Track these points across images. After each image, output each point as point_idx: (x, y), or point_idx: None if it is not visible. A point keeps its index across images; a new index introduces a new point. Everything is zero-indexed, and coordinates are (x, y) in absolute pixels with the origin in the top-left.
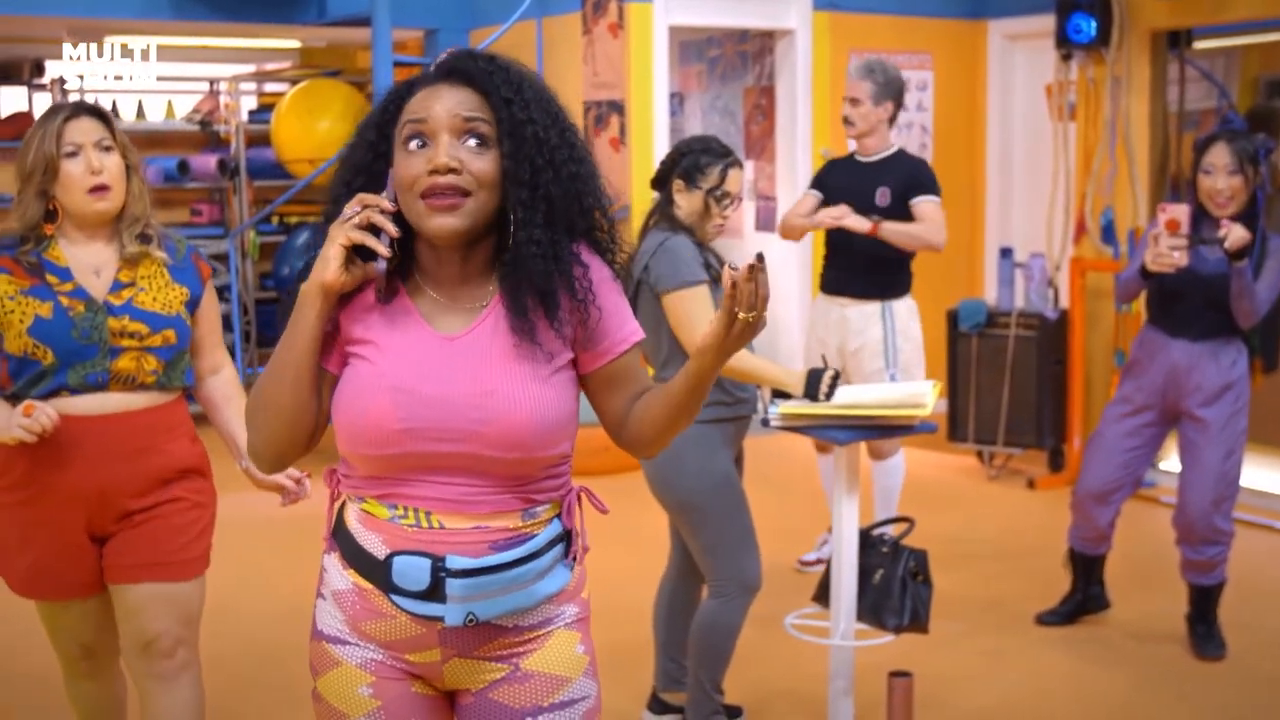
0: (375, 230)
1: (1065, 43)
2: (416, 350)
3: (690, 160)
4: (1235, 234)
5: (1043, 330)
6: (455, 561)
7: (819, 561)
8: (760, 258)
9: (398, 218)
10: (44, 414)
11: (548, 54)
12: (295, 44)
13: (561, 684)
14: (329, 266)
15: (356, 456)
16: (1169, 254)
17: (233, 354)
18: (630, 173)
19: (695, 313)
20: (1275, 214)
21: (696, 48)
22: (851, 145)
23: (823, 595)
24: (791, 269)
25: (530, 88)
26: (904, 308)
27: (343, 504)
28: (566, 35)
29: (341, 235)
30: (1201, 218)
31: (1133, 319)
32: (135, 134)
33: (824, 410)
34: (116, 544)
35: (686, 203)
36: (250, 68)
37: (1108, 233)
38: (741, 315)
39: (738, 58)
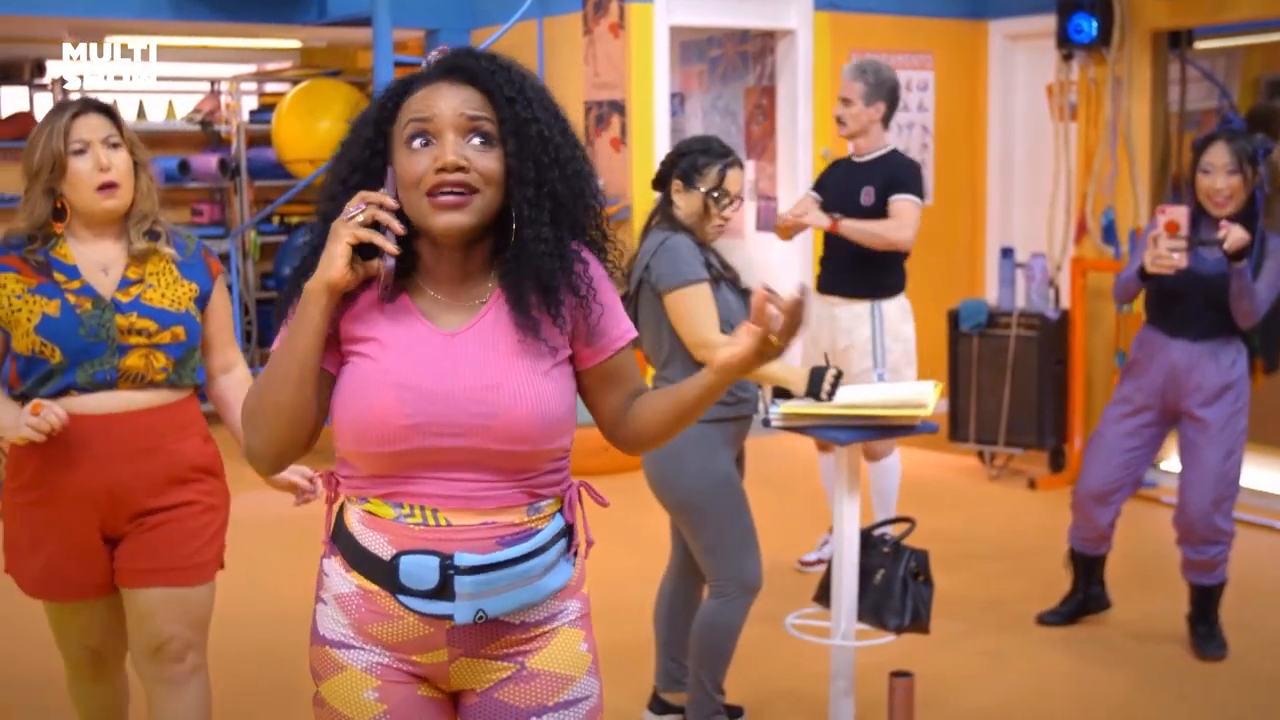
0: (379, 228)
1: (1066, 43)
2: (419, 347)
3: (688, 161)
4: (1234, 235)
5: (1044, 330)
6: (464, 559)
7: (820, 561)
8: (804, 289)
9: (399, 216)
10: (52, 412)
11: (549, 54)
12: (296, 44)
13: (567, 683)
14: (336, 264)
15: (360, 455)
16: (1168, 256)
17: None
18: (631, 173)
19: (696, 311)
20: (1274, 214)
21: (697, 48)
22: (851, 146)
23: (824, 595)
24: (792, 269)
25: (531, 86)
26: (894, 308)
27: (342, 506)
28: (567, 35)
29: (348, 233)
30: (1200, 217)
31: (1134, 319)
32: (136, 134)
33: (825, 410)
34: (128, 547)
35: (685, 203)
36: (251, 68)
37: (1109, 233)
38: (775, 341)
39: (738, 58)
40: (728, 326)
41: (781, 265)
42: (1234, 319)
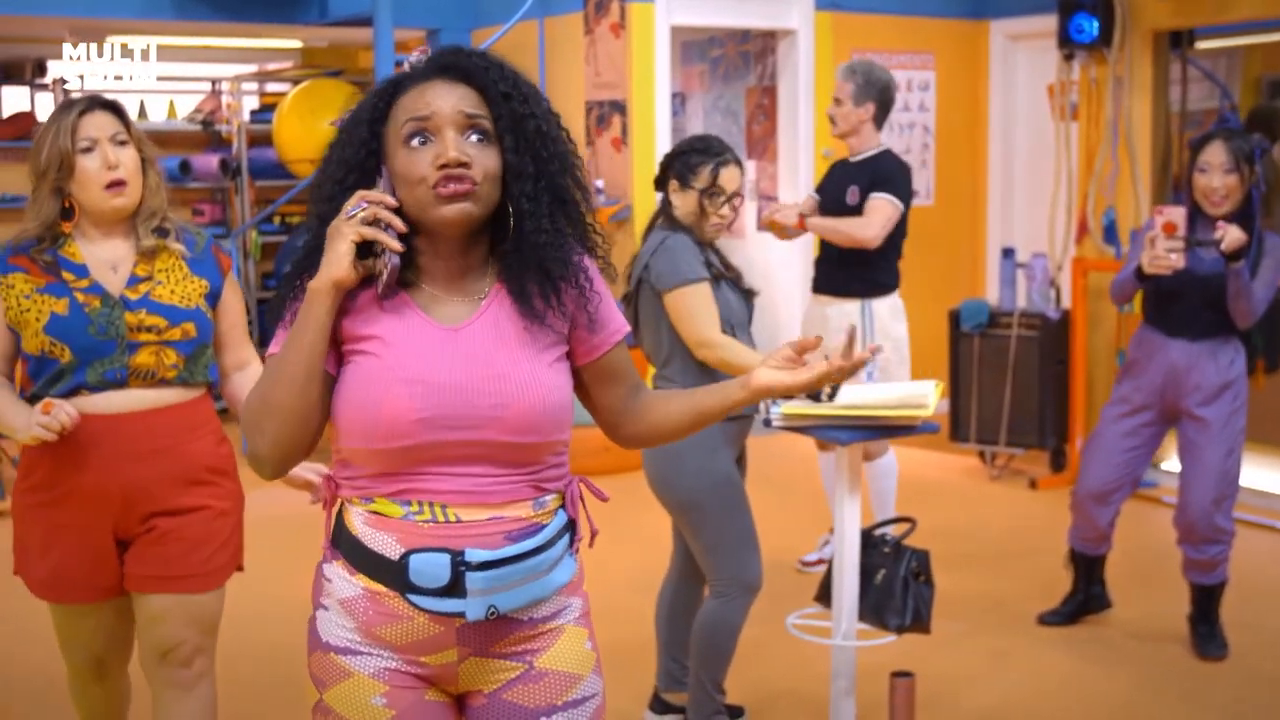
0: (380, 226)
1: (1067, 43)
2: (422, 342)
3: (683, 161)
4: (1232, 236)
5: (1045, 330)
6: (474, 554)
7: (820, 561)
8: (852, 333)
9: (397, 213)
10: (62, 411)
11: (550, 54)
12: (297, 44)
13: (574, 682)
14: (340, 263)
15: (367, 452)
16: (1166, 256)
17: None
18: (632, 173)
19: (696, 310)
20: (1274, 213)
21: (698, 48)
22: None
23: (824, 595)
24: (793, 269)
25: (525, 83)
26: (885, 307)
27: (341, 509)
28: (568, 35)
29: (351, 231)
30: (1197, 216)
31: (1134, 319)
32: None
33: (826, 410)
34: (138, 552)
35: (682, 203)
36: (252, 67)
37: (1110, 233)
38: (826, 388)
39: (739, 58)
40: (728, 326)
41: (781, 265)
42: (1232, 319)
